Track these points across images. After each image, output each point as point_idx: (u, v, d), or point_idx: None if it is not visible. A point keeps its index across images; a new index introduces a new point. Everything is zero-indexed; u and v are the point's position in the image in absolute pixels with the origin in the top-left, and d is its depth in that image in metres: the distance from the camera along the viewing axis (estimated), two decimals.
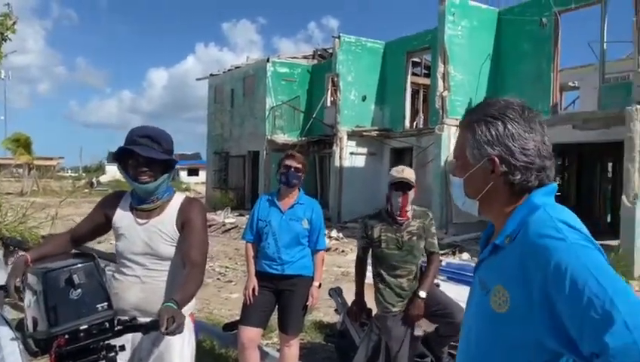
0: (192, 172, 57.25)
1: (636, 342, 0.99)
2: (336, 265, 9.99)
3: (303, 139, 19.28)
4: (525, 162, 1.23)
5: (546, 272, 1.09)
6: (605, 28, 12.20)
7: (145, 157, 2.14)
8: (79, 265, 1.81)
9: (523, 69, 13.86)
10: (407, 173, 3.43)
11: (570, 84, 18.49)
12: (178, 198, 2.33)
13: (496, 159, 1.24)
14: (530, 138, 1.23)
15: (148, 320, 1.83)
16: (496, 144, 1.24)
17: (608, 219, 16.78)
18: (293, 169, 3.55)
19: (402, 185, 3.37)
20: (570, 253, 1.09)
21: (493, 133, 1.24)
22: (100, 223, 2.35)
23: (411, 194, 3.39)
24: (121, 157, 2.21)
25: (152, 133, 2.18)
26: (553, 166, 1.27)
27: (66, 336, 1.69)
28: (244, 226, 3.89)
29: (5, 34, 10.06)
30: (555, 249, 1.10)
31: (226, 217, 16.84)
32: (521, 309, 1.14)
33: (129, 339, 2.12)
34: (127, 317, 1.89)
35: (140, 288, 2.23)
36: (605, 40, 12.34)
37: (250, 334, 3.51)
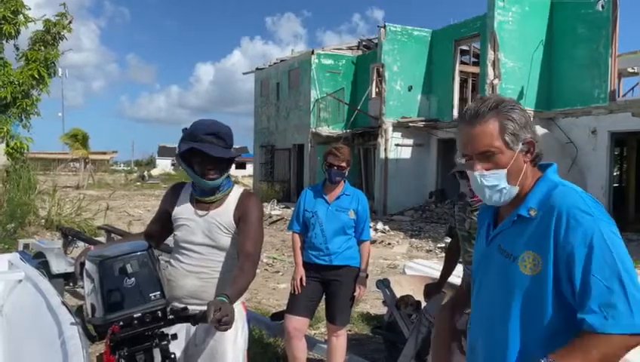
0: (240, 165, 58.20)
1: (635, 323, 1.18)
2: (382, 257, 9.92)
3: (348, 131, 19.20)
4: (537, 139, 1.41)
5: (574, 241, 1.25)
6: None
7: (213, 157, 2.17)
8: (134, 254, 1.85)
9: (578, 55, 13.26)
10: None
11: (629, 69, 17.54)
12: (236, 191, 2.35)
13: (533, 140, 1.39)
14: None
15: (198, 310, 1.86)
16: (527, 128, 1.39)
17: None
18: (336, 167, 3.52)
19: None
20: (595, 227, 1.26)
21: (524, 118, 1.39)
22: (166, 219, 2.40)
23: None
24: (186, 154, 2.21)
25: (216, 130, 2.19)
26: None
27: (121, 323, 1.74)
28: (289, 218, 3.91)
29: (62, 33, 10.52)
30: (583, 221, 1.27)
31: (273, 209, 17.06)
32: (552, 270, 1.29)
33: (184, 328, 2.16)
34: (179, 307, 1.92)
35: (196, 276, 2.27)
36: None
37: (296, 323, 3.53)
